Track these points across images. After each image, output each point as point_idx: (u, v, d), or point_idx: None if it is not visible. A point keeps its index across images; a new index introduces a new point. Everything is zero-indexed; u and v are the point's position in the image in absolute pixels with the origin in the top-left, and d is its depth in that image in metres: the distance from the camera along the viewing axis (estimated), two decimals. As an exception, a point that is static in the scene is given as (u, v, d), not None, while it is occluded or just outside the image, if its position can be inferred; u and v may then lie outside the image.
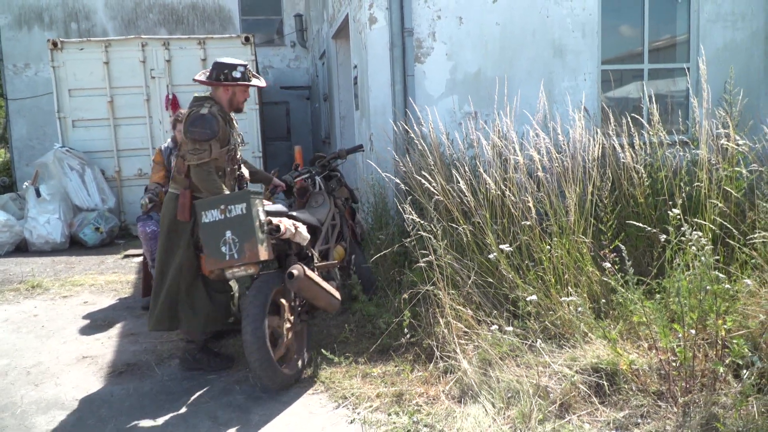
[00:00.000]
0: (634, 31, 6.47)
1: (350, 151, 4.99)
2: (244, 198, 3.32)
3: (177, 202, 3.62)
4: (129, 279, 6.15)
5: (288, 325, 3.56)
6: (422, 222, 3.80)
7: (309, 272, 3.50)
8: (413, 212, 3.84)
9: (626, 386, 3.05)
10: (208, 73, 3.76)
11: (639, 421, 2.85)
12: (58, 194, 7.95)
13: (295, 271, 3.40)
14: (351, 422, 3.10)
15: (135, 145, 8.61)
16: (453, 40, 6.03)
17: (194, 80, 3.84)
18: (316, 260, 3.90)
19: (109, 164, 8.60)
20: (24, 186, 9.12)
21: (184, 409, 3.34)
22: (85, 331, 4.67)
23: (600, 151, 4.20)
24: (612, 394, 3.03)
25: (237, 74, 3.70)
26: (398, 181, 4.46)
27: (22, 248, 7.77)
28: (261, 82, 4.01)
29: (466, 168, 4.09)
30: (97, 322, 4.83)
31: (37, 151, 13.92)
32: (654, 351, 3.17)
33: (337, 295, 3.76)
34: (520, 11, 6.00)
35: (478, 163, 4.43)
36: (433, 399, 3.21)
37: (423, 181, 4.05)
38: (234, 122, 3.85)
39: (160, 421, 3.22)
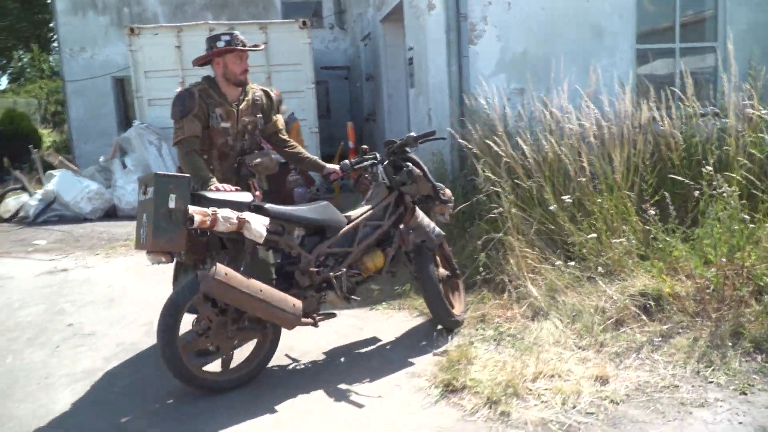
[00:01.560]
0: (666, 12, 7.08)
1: (421, 137, 4.03)
2: (152, 180, 3.03)
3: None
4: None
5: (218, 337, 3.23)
6: (496, 179, 4.56)
7: (230, 275, 3.05)
8: (486, 172, 4.60)
9: (668, 307, 3.80)
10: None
11: (680, 331, 3.60)
12: (141, 165, 8.83)
13: (199, 272, 3.04)
14: (448, 334, 3.90)
15: (203, 122, 9.42)
16: (502, 24, 6.69)
17: (193, 62, 3.81)
18: (309, 264, 3.45)
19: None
20: (100, 160, 10.02)
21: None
22: (199, 276, 5.52)
23: (643, 119, 4.91)
24: (657, 313, 3.79)
25: (221, 44, 3.56)
26: (469, 145, 5.16)
27: (110, 214, 8.73)
28: (256, 48, 3.78)
29: (528, 134, 4.84)
30: (205, 270, 5.68)
31: (93, 130, 14.88)
32: (691, 280, 3.92)
33: (290, 307, 3.21)
34: (563, -4, 6.66)
35: (538, 132, 5.14)
36: (510, 319, 4.00)
37: (492, 145, 4.79)
38: (233, 100, 3.64)
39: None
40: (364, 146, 4.02)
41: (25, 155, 16.44)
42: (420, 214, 3.83)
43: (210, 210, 3.02)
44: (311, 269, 3.44)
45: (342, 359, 3.65)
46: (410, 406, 3.05)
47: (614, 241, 4.27)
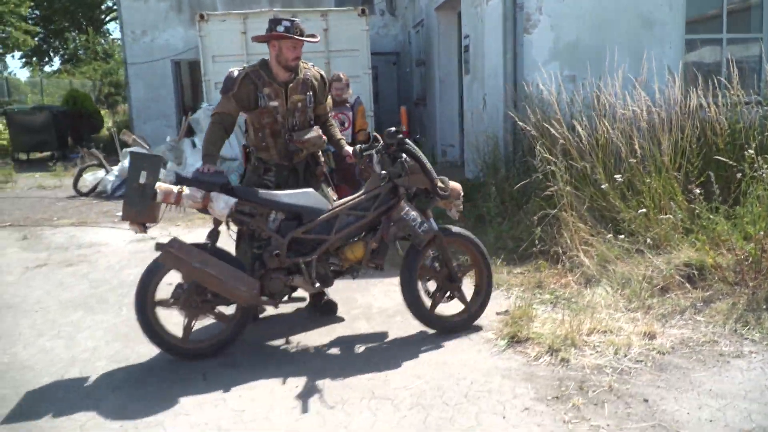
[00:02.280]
0: (714, 2, 7.33)
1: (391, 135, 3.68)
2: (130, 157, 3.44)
3: None
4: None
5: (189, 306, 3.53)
6: (553, 159, 5.00)
7: (183, 248, 3.38)
8: (544, 152, 5.04)
9: (710, 277, 4.21)
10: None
11: (720, 297, 4.02)
12: (207, 146, 9.47)
13: (157, 242, 3.43)
14: (507, 298, 4.39)
15: (266, 105, 10.02)
16: (556, 14, 7.04)
17: (252, 39, 4.04)
18: (278, 248, 3.58)
19: (241, 121, 10.04)
20: (167, 139, 10.72)
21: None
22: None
23: (691, 106, 5.27)
24: (699, 281, 4.20)
25: (281, 28, 3.66)
26: (528, 127, 5.59)
27: (180, 190, 9.38)
28: (312, 39, 3.85)
29: (583, 117, 5.26)
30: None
31: (153, 111, 15.66)
32: (731, 253, 4.31)
33: (244, 284, 3.43)
34: (614, -13, 6.97)
35: (593, 115, 5.55)
36: (565, 285, 4.47)
37: (549, 128, 5.23)
38: (283, 80, 3.78)
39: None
40: (375, 133, 3.92)
41: (87, 134, 17.44)
42: (406, 207, 3.65)
43: (176, 188, 3.38)
44: (276, 252, 3.55)
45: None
46: (480, 353, 3.55)
47: (661, 217, 4.68)
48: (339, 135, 4.21)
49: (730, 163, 4.92)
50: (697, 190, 4.67)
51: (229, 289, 3.42)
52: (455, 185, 3.87)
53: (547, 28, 7.07)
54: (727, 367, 3.23)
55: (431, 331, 3.85)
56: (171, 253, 3.38)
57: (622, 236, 4.68)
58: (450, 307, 3.95)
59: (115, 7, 33.03)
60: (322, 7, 11.54)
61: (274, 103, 3.78)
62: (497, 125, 7.10)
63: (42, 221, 7.70)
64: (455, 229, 3.91)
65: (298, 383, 3.26)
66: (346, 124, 6.76)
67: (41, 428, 2.90)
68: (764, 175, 4.38)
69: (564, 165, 5.11)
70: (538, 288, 4.49)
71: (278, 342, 3.85)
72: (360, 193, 3.75)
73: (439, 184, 3.75)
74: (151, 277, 3.50)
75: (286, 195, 3.64)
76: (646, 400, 2.92)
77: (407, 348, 3.66)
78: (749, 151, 4.75)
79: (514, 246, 5.23)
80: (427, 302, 3.84)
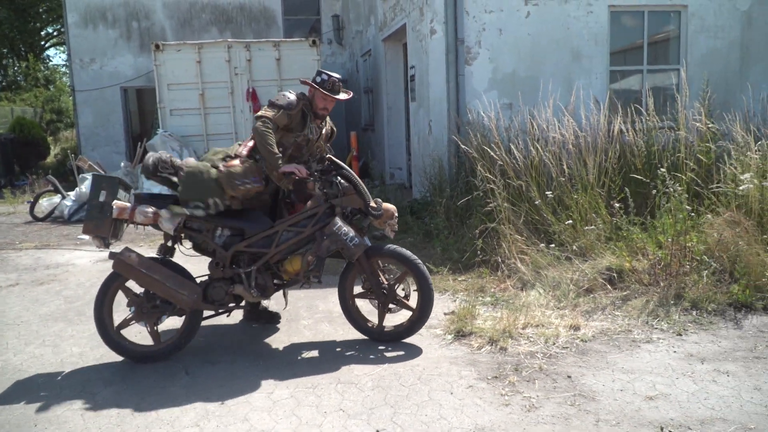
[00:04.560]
0: (635, 36, 8.17)
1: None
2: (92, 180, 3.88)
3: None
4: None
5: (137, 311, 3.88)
6: (491, 178, 5.58)
7: (132, 258, 3.74)
8: (484, 172, 5.62)
9: (628, 279, 4.82)
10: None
11: (635, 296, 4.62)
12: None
13: (110, 252, 3.81)
14: (454, 301, 4.89)
15: (221, 131, 10.38)
16: (494, 47, 7.73)
17: (300, 81, 4.36)
18: (221, 259, 3.94)
19: (200, 146, 10.37)
20: (122, 165, 10.92)
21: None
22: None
23: (614, 130, 5.97)
24: (618, 283, 4.81)
25: (318, 79, 4.11)
26: (470, 150, 6.18)
27: (136, 214, 9.57)
28: (342, 96, 4.20)
29: (519, 141, 5.88)
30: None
31: (101, 137, 15.72)
32: (646, 258, 4.95)
33: (187, 291, 3.78)
34: (547, 24, 7.71)
35: (527, 140, 6.18)
36: (504, 289, 5.01)
37: (489, 150, 5.82)
38: (315, 122, 4.19)
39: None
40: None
41: (34, 161, 17.27)
42: (339, 223, 3.91)
43: (130, 205, 3.80)
44: (217, 262, 3.92)
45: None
46: (431, 346, 4.03)
47: (587, 228, 5.30)
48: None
49: (646, 180, 5.61)
50: (618, 205, 5.34)
51: (172, 294, 3.78)
52: (388, 206, 4.19)
53: (486, 60, 7.75)
54: (638, 350, 3.80)
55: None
56: (122, 261, 3.74)
57: (553, 246, 5.27)
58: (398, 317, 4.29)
59: (55, 33, 32.74)
60: (274, 38, 12.04)
61: (313, 137, 4.23)
62: (442, 149, 7.69)
63: (5, 245, 7.82)
64: (390, 246, 4.11)
65: (272, 374, 3.66)
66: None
67: (45, 418, 3.21)
68: (674, 191, 5.06)
69: (502, 183, 5.70)
70: (480, 292, 5.01)
71: (250, 343, 4.23)
72: (300, 212, 4.03)
73: (372, 204, 4.06)
74: (104, 295, 3.85)
75: (231, 213, 3.96)
76: (569, 377, 3.46)
77: (367, 343, 4.10)
78: (662, 170, 5.45)
79: (459, 256, 5.77)
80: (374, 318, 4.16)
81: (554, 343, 3.93)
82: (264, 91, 10.31)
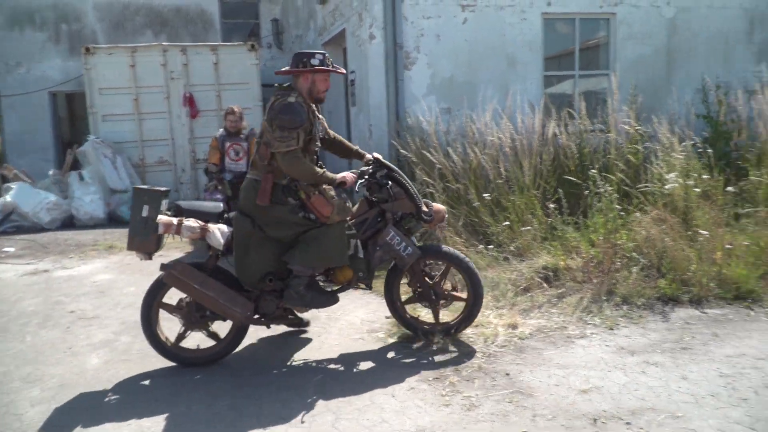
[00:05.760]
0: (568, 43, 8.45)
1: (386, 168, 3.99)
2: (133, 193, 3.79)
3: (257, 187, 3.67)
4: (185, 241, 7.74)
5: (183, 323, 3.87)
6: (431, 182, 5.65)
7: (185, 271, 3.67)
8: (423, 175, 5.69)
9: (563, 277, 4.97)
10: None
11: (570, 293, 4.77)
12: (97, 178, 9.43)
13: (162, 264, 3.75)
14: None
15: (157, 136, 10.13)
16: (432, 53, 7.84)
17: (276, 73, 3.97)
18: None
19: (134, 153, 10.09)
20: (50, 173, 10.51)
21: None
22: (175, 271, 6.31)
23: (549, 134, 6.15)
24: (554, 281, 4.95)
25: (315, 61, 3.73)
26: (409, 154, 6.24)
27: (68, 224, 9.24)
28: (341, 69, 3.96)
29: (457, 145, 5.98)
30: (180, 266, 6.47)
31: (29, 144, 15.04)
32: (580, 257, 5.11)
33: (238, 305, 3.69)
34: (483, 31, 7.87)
35: (465, 143, 6.29)
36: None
37: (428, 154, 5.89)
38: (317, 113, 3.89)
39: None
40: (376, 155, 4.07)
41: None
42: (392, 232, 3.85)
43: (176, 219, 3.66)
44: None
45: (320, 324, 4.61)
46: (373, 350, 4.05)
47: (523, 229, 5.44)
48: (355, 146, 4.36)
49: (579, 181, 5.81)
50: (552, 206, 5.50)
51: (223, 309, 3.71)
52: (439, 207, 4.10)
53: (425, 66, 7.85)
54: (572, 346, 3.93)
55: (332, 336, 4.30)
56: (174, 275, 3.68)
57: (492, 246, 5.39)
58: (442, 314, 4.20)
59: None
60: (212, 42, 11.84)
61: (320, 133, 3.94)
62: (382, 152, 7.70)
63: None
64: (444, 248, 4.13)
65: (214, 385, 3.59)
66: (241, 155, 7.14)
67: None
68: (605, 191, 5.26)
69: (441, 186, 5.79)
70: (422, 295, 5.06)
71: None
72: (349, 217, 3.87)
73: (424, 208, 3.97)
74: (152, 300, 3.80)
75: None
76: (508, 374, 3.54)
77: (310, 349, 4.09)
78: (593, 171, 5.65)
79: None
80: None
81: (493, 342, 4.01)
82: (201, 96, 10.14)
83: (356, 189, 3.91)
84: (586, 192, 5.67)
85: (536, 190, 5.87)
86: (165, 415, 3.24)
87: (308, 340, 4.26)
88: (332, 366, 3.81)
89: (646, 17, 8.30)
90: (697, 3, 8.43)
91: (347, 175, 3.83)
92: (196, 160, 10.17)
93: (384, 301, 4.23)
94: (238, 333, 3.91)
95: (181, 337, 3.92)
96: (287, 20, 15.44)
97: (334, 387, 3.48)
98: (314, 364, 3.86)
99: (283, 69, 3.85)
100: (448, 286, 4.16)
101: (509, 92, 7.24)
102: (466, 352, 3.88)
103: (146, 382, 3.70)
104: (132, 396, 3.51)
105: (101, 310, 5.17)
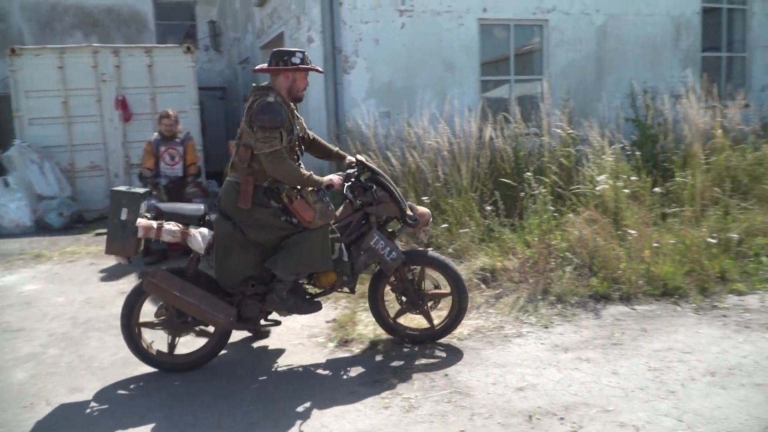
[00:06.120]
0: (503, 49, 8.65)
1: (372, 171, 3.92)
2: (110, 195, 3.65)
3: (238, 190, 3.58)
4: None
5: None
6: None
7: (164, 278, 3.56)
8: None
9: (500, 277, 5.07)
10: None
11: (507, 293, 4.87)
12: (23, 184, 9.01)
13: (140, 271, 3.70)
14: (335, 309, 4.90)
15: (88, 140, 9.75)
16: (371, 57, 7.88)
17: (254, 71, 3.90)
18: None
19: (63, 158, 9.68)
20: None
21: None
22: (107, 279, 6.10)
23: (486, 137, 6.27)
24: (492, 282, 5.05)
25: (296, 59, 3.65)
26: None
27: (-9, 232, 8.79)
28: (320, 69, 3.93)
29: (396, 149, 6.02)
30: (113, 274, 6.26)
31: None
32: (516, 257, 5.23)
33: (220, 311, 3.60)
34: (420, 36, 7.97)
35: (404, 147, 6.34)
36: (384, 294, 5.08)
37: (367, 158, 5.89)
38: (296, 113, 3.81)
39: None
40: (360, 157, 4.00)
41: None
42: (375, 236, 3.81)
43: (155, 223, 3.56)
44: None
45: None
46: (313, 355, 4.02)
47: (461, 231, 5.52)
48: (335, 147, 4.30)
49: (514, 184, 5.94)
50: (489, 208, 5.61)
51: (205, 315, 3.62)
52: (424, 211, 4.06)
53: (364, 70, 7.88)
54: (509, 344, 4.01)
55: (272, 342, 4.25)
56: (153, 283, 3.57)
57: (431, 249, 5.43)
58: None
59: None
60: (146, 44, 11.52)
61: (301, 132, 3.84)
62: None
63: None
64: (430, 253, 4.09)
65: (137, 391, 3.48)
66: (177, 159, 6.98)
67: None
68: (539, 193, 5.40)
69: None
70: (362, 298, 5.04)
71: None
72: (333, 221, 3.82)
73: (409, 212, 3.91)
74: (131, 307, 3.70)
75: None
76: (446, 375, 3.58)
77: (250, 356, 4.03)
78: (528, 174, 5.79)
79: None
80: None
81: (433, 344, 4.04)
82: (135, 99, 9.83)
83: (345, 192, 3.86)
84: (522, 194, 5.81)
85: (474, 193, 5.97)
86: (95, 430, 3.13)
87: (247, 350, 4.20)
88: (271, 372, 3.76)
89: (577, 24, 8.59)
90: (625, 10, 8.79)
91: (334, 177, 3.80)
92: (130, 165, 9.85)
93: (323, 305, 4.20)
94: (221, 338, 3.82)
95: (172, 346, 3.81)
96: (225, 22, 15.20)
97: (273, 393, 3.44)
98: (252, 369, 3.80)
99: (259, 66, 3.81)
100: (429, 286, 4.15)
101: (447, 97, 7.35)
102: (406, 354, 3.91)
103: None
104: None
105: (28, 322, 4.94)
